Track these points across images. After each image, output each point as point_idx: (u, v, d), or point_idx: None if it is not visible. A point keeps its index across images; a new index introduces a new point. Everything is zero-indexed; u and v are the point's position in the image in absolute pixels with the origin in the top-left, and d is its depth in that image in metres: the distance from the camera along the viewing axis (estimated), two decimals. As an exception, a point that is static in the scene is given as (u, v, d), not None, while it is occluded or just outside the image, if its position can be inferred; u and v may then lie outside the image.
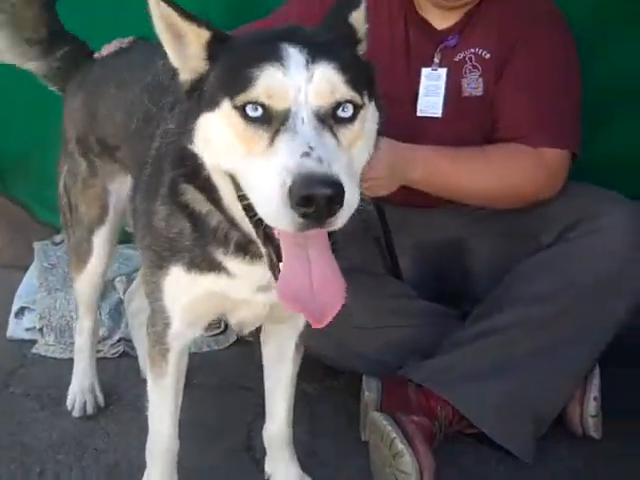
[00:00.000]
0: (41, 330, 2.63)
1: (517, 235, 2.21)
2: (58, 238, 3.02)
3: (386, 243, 2.34)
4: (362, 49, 1.46)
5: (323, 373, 2.23)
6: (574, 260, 2.05)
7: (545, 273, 2.08)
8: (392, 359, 2.20)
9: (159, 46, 1.40)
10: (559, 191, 2.16)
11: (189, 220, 1.52)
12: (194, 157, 1.39)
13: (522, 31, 2.16)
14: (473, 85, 2.22)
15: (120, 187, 2.03)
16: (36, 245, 3.00)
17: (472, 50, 2.20)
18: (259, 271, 1.49)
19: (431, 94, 2.23)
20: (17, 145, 3.00)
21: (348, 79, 1.28)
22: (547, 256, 2.11)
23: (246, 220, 1.36)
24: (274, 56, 1.27)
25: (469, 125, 2.23)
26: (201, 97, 1.36)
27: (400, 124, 2.23)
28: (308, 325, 1.78)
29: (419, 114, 2.24)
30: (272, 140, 1.23)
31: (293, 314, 1.71)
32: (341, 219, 1.19)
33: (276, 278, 1.31)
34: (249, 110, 1.25)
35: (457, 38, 2.21)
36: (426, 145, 2.10)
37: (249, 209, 1.29)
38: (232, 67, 1.32)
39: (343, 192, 1.16)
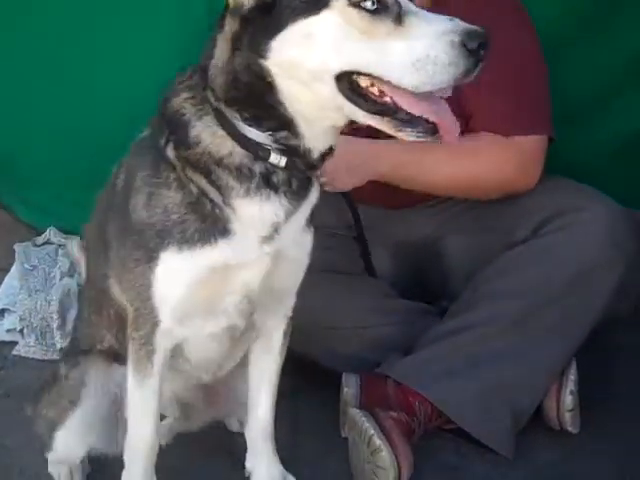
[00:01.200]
0: (22, 331, 2.62)
1: (493, 230, 2.23)
2: (39, 240, 3.02)
3: (361, 243, 2.36)
4: None
5: (303, 369, 2.23)
6: (549, 255, 2.07)
7: (520, 268, 2.10)
8: (372, 357, 2.21)
9: None
10: (535, 185, 2.17)
11: (183, 186, 1.52)
12: (256, 78, 1.43)
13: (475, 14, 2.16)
14: None
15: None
16: (17, 247, 2.98)
17: None
18: (271, 209, 1.53)
19: None
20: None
21: None
22: (522, 251, 2.12)
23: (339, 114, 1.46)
24: None
25: None
26: (284, 9, 1.39)
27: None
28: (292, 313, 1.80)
29: None
30: (398, 22, 1.37)
31: (285, 285, 1.72)
32: None
33: (433, 133, 1.42)
34: (368, 4, 1.36)
35: None
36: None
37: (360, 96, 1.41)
38: None
39: None
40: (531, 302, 2.06)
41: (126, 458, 1.81)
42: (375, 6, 1.37)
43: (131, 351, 1.70)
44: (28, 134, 2.95)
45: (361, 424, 1.93)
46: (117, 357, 1.85)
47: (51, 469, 2.03)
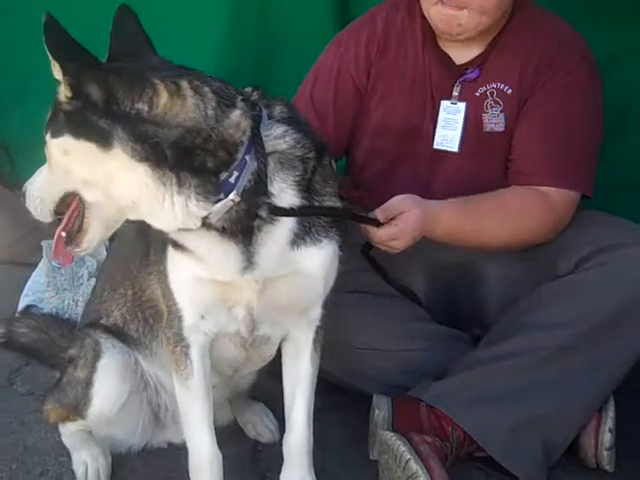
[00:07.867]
0: (48, 329, 2.60)
1: (533, 262, 2.20)
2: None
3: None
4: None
5: (328, 388, 2.20)
6: (592, 289, 2.04)
7: (562, 301, 2.06)
8: (402, 381, 2.17)
9: None
10: (576, 220, 2.17)
11: None
12: None
13: (545, 63, 2.16)
14: (494, 120, 2.22)
15: None
16: (44, 243, 2.95)
17: (494, 85, 2.20)
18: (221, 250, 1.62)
19: (449, 127, 2.23)
20: (30, 132, 2.95)
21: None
22: (564, 283, 2.10)
23: None
24: None
25: (490, 161, 2.24)
26: None
27: (418, 156, 2.25)
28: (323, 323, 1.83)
29: (436, 147, 2.25)
30: None
31: (300, 300, 1.77)
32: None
33: None
34: None
35: (478, 72, 2.21)
36: (453, 199, 2.10)
37: None
38: None
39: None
40: (569, 336, 2.02)
41: (192, 477, 1.79)
42: None
43: (169, 353, 1.75)
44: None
45: (396, 448, 1.89)
46: (119, 336, 1.96)
47: (75, 466, 2.00)
